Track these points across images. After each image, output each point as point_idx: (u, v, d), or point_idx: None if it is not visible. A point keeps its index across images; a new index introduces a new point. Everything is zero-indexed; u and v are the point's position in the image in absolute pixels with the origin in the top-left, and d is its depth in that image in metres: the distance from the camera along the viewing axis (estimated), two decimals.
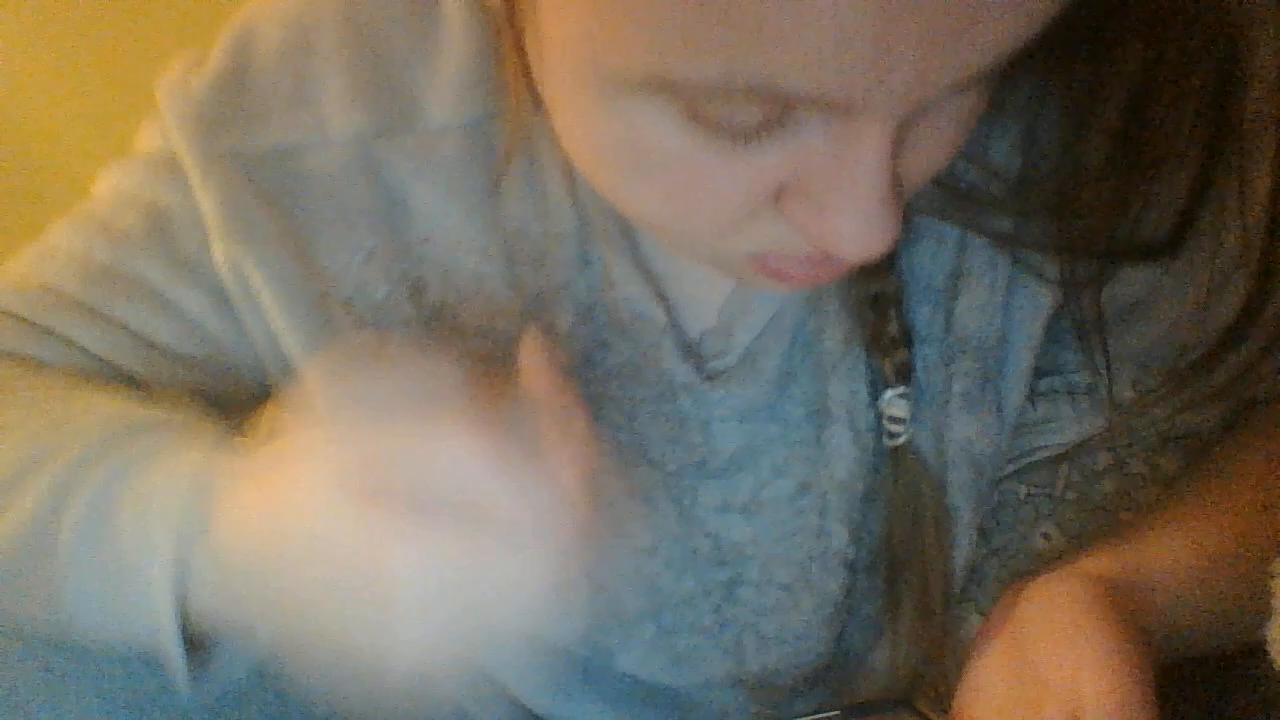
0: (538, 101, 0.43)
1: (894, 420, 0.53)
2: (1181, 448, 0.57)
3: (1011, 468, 0.59)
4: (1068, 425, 0.58)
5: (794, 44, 0.30)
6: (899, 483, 0.54)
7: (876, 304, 0.52)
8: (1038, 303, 0.53)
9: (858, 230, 0.36)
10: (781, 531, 0.56)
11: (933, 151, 0.38)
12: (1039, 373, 0.58)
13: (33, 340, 0.51)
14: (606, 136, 0.38)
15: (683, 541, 0.56)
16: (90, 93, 1.28)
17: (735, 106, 0.34)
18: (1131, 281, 0.52)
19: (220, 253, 0.51)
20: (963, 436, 0.54)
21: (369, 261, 0.51)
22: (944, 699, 0.59)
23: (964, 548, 0.56)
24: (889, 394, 0.52)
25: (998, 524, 0.59)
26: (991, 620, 0.51)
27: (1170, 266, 0.51)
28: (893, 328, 0.52)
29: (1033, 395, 0.58)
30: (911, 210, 0.51)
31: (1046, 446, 0.58)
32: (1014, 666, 0.48)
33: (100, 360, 0.52)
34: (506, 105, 0.50)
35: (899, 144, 0.36)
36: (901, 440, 0.53)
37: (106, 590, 0.42)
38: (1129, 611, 0.47)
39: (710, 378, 0.53)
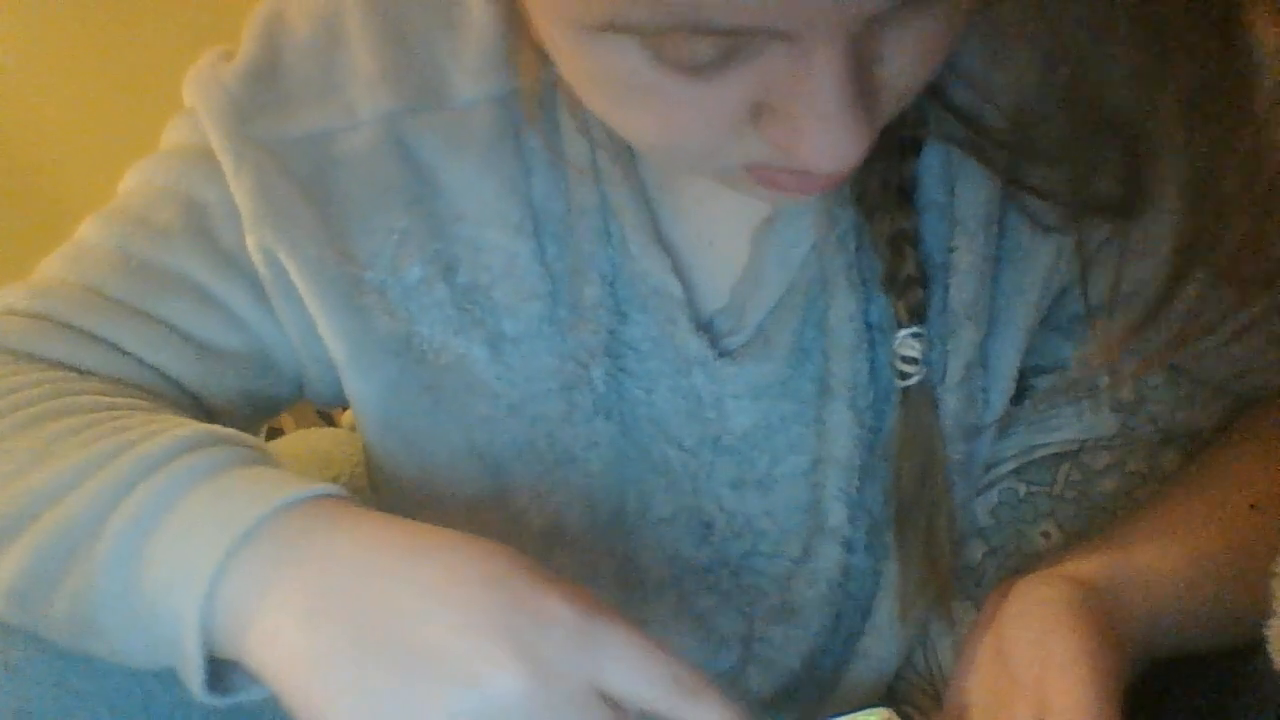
0: (541, 51, 0.44)
1: (906, 360, 0.53)
2: (1181, 447, 0.57)
3: (1011, 465, 0.59)
4: (1067, 423, 0.58)
5: None
6: (908, 425, 0.54)
7: (894, 243, 0.52)
8: (1029, 278, 0.53)
9: (825, 143, 0.39)
10: (794, 506, 0.57)
11: (905, 65, 0.40)
12: (1039, 370, 0.58)
13: (78, 346, 0.51)
14: (589, 72, 0.41)
15: (699, 515, 0.57)
16: (91, 96, 1.28)
17: (690, 42, 0.36)
18: (1137, 267, 0.52)
19: (253, 242, 0.51)
20: (955, 411, 0.54)
21: (403, 243, 0.52)
22: (937, 686, 0.59)
23: (957, 522, 0.56)
24: (902, 333, 0.53)
25: (997, 523, 0.59)
26: (980, 617, 0.52)
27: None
28: (909, 266, 0.52)
29: (1033, 393, 0.58)
30: (915, 131, 0.52)
31: (1046, 444, 0.58)
32: (994, 664, 0.49)
33: (145, 365, 0.52)
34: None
35: (862, 59, 0.38)
36: (913, 381, 0.53)
37: (135, 600, 0.42)
38: (1106, 615, 0.48)
39: (724, 354, 0.54)
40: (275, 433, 1.17)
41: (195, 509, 0.42)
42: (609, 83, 0.40)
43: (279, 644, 0.39)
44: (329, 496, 0.43)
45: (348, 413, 0.77)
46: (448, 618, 0.39)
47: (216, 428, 0.45)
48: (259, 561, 0.40)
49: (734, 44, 0.37)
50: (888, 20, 0.37)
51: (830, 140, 0.38)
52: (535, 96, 0.51)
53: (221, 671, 0.42)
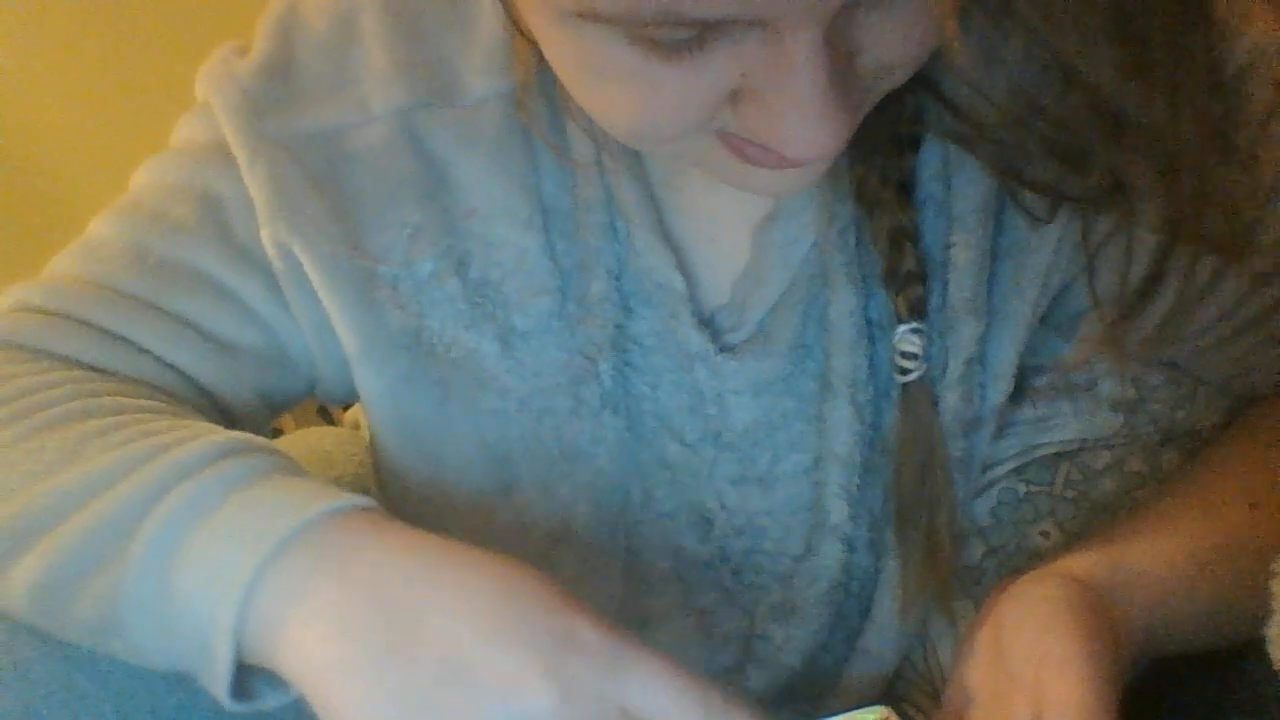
0: (530, 40, 0.45)
1: (906, 356, 0.53)
2: (1181, 447, 0.57)
3: (1011, 465, 0.59)
4: (1067, 423, 0.58)
5: None
6: (908, 421, 0.54)
7: (893, 238, 0.53)
8: (1028, 274, 0.53)
9: (801, 131, 0.39)
10: (796, 504, 0.57)
11: (886, 54, 0.40)
12: (1039, 370, 0.58)
13: (94, 344, 0.51)
14: (568, 57, 0.41)
15: (700, 510, 0.57)
16: (91, 96, 1.28)
17: (665, 28, 0.37)
18: (1139, 263, 0.53)
19: (268, 236, 0.51)
20: (955, 407, 0.54)
21: (415, 237, 0.52)
22: (937, 685, 0.59)
23: (957, 519, 0.56)
24: (902, 329, 0.53)
25: (997, 523, 0.59)
26: (979, 616, 0.52)
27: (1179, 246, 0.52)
28: (908, 262, 0.52)
29: (1032, 393, 0.58)
30: (913, 128, 0.52)
31: (1046, 444, 0.58)
32: (992, 661, 0.49)
33: (162, 362, 0.52)
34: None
35: (840, 48, 0.38)
36: (913, 376, 0.53)
37: (164, 604, 0.42)
38: (1104, 613, 0.48)
39: (725, 350, 0.54)
40: (275, 433, 1.17)
41: (230, 517, 0.42)
42: (590, 68, 0.41)
43: (312, 651, 0.40)
44: (363, 509, 0.43)
45: (349, 412, 0.77)
46: (481, 635, 0.39)
47: (248, 435, 0.46)
48: (295, 571, 0.41)
49: (708, 29, 0.37)
50: (863, 7, 0.37)
51: (806, 129, 0.39)
52: (529, 88, 0.52)
53: (244, 678, 0.42)
